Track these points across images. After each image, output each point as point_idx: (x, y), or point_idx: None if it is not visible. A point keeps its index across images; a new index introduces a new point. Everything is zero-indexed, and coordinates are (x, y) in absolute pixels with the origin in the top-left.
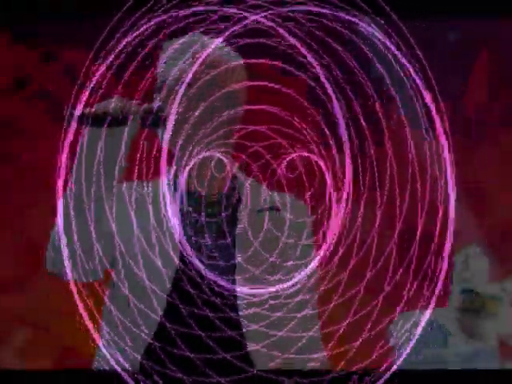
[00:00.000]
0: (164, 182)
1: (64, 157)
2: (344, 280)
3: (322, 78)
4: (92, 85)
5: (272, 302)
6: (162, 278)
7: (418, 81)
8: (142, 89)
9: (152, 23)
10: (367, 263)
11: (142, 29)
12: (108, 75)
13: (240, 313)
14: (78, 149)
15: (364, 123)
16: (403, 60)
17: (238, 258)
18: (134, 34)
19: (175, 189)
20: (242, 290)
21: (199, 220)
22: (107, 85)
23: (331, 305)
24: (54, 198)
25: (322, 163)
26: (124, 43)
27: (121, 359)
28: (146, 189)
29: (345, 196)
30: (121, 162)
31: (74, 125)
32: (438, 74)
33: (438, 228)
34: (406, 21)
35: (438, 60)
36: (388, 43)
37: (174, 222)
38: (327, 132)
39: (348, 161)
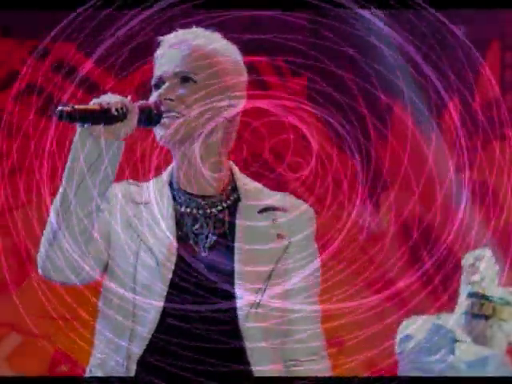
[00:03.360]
0: (161, 181)
1: (53, 154)
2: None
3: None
4: (83, 80)
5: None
6: (155, 285)
7: (430, 77)
8: (137, 85)
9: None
10: (372, 265)
11: (137, 23)
12: (102, 71)
13: (240, 324)
14: (71, 147)
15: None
16: (415, 56)
17: (237, 262)
18: (129, 28)
19: (172, 188)
20: (241, 294)
21: (197, 220)
22: (101, 81)
23: (333, 306)
24: (46, 198)
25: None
26: (119, 39)
27: (115, 367)
28: (140, 189)
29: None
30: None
31: (65, 122)
32: (448, 69)
33: (446, 230)
34: (414, 12)
35: (447, 54)
36: (398, 37)
37: (171, 223)
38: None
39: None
